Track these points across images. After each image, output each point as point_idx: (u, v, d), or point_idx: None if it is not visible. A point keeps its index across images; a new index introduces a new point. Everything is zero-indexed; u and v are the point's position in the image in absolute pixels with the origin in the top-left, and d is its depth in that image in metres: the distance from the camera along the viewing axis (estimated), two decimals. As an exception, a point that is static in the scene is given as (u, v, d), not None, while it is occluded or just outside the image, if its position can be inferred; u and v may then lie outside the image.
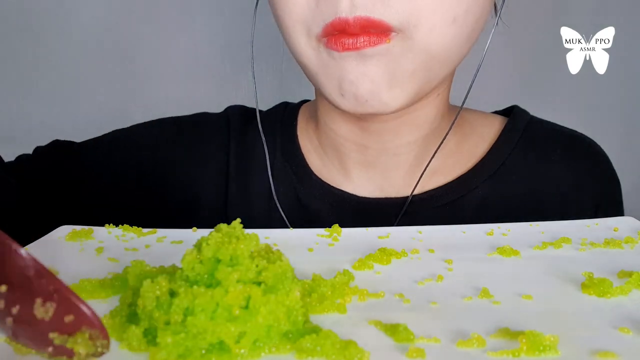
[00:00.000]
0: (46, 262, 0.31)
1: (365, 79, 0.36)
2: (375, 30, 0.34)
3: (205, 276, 0.23)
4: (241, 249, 0.23)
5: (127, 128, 0.52)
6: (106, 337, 0.19)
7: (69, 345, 0.18)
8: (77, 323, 0.18)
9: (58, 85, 0.82)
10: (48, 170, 0.48)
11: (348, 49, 0.35)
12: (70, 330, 0.18)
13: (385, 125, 0.43)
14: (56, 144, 0.50)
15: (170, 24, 0.83)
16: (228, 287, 0.22)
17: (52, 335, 0.18)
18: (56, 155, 0.49)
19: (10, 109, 0.82)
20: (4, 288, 0.18)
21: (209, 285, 0.22)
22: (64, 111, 0.83)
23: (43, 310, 0.18)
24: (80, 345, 0.18)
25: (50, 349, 0.18)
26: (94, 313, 0.19)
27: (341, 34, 0.35)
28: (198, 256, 0.23)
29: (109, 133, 0.51)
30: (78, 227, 0.36)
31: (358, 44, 0.35)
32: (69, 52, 0.81)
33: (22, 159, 0.48)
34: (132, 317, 0.23)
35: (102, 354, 0.19)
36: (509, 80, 0.86)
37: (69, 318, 0.18)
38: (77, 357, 0.18)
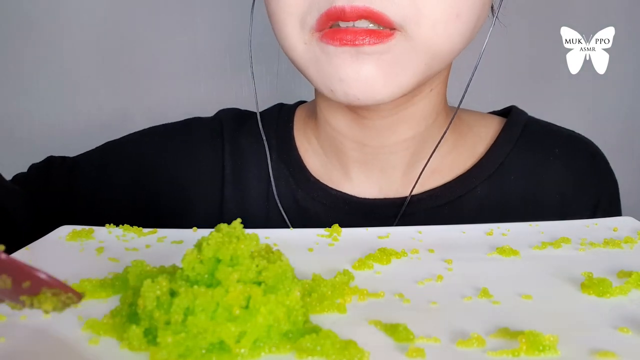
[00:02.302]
0: (46, 261, 0.31)
1: (358, 79, 0.35)
2: (375, 25, 0.34)
3: (206, 276, 0.23)
4: (241, 249, 0.23)
5: (119, 139, 0.52)
6: (70, 290, 0.21)
7: (35, 305, 0.21)
8: (36, 286, 0.21)
9: (58, 85, 0.82)
10: (44, 187, 0.48)
11: (346, 44, 0.34)
12: (34, 292, 0.21)
13: (382, 122, 0.43)
14: (50, 161, 0.50)
15: (171, 24, 0.83)
16: (228, 287, 0.22)
17: (22, 298, 0.21)
18: (51, 171, 0.49)
19: (10, 109, 0.82)
20: None
21: (209, 285, 0.22)
22: (64, 111, 0.83)
23: (1, 282, 0.20)
24: (45, 303, 0.21)
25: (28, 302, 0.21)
26: (49, 275, 0.21)
27: (338, 30, 0.34)
28: (198, 256, 0.23)
29: (100, 145, 0.51)
30: (78, 227, 0.36)
31: (357, 41, 0.34)
32: (69, 52, 0.82)
33: (18, 177, 0.48)
34: (133, 316, 0.23)
35: (69, 304, 0.21)
36: (509, 81, 0.86)
37: (26, 284, 0.20)
38: (45, 312, 0.21)
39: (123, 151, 0.51)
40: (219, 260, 0.23)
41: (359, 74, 0.35)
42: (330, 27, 0.35)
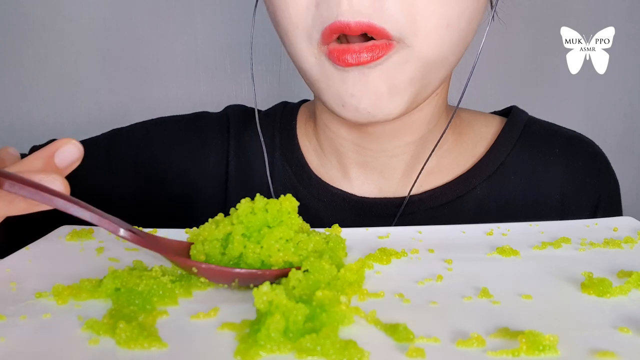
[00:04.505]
0: (46, 261, 0.31)
1: (367, 92, 0.36)
2: (377, 39, 0.34)
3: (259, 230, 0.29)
4: (285, 207, 0.29)
5: (127, 127, 0.52)
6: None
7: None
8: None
9: (58, 85, 0.82)
10: None
11: (351, 65, 0.35)
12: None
13: (384, 128, 0.43)
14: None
15: (171, 24, 0.83)
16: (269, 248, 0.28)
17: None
18: None
19: (10, 109, 0.82)
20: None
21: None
22: (65, 111, 0.83)
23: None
24: None
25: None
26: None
27: (343, 51, 0.35)
28: (251, 204, 0.29)
29: (108, 132, 0.52)
30: (78, 227, 0.36)
31: (362, 59, 0.35)
32: (69, 52, 0.82)
33: None
34: (126, 316, 0.24)
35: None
36: (509, 81, 0.86)
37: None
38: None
39: (132, 137, 0.51)
40: (266, 211, 0.29)
41: (368, 86, 0.36)
42: (335, 39, 0.36)
